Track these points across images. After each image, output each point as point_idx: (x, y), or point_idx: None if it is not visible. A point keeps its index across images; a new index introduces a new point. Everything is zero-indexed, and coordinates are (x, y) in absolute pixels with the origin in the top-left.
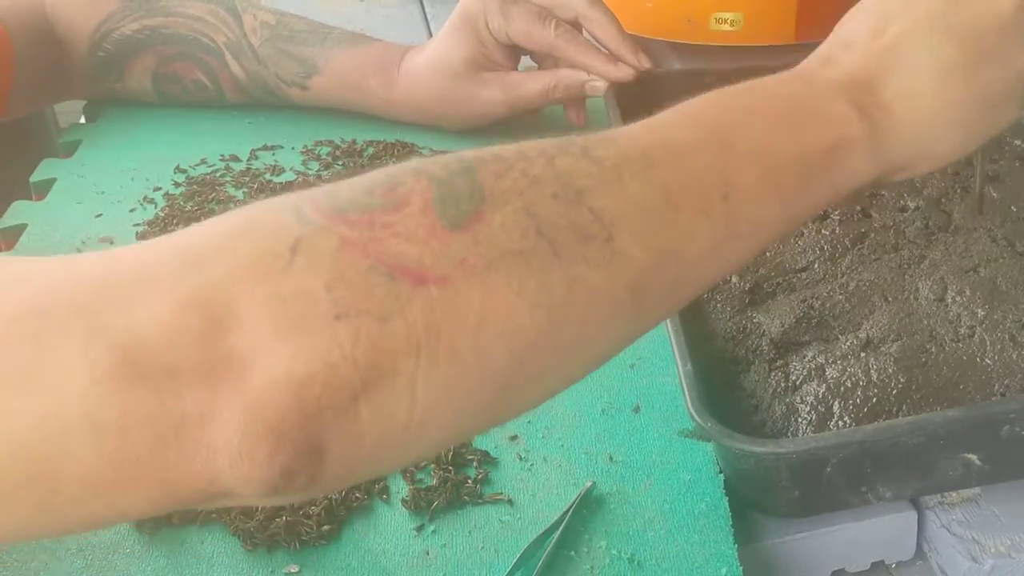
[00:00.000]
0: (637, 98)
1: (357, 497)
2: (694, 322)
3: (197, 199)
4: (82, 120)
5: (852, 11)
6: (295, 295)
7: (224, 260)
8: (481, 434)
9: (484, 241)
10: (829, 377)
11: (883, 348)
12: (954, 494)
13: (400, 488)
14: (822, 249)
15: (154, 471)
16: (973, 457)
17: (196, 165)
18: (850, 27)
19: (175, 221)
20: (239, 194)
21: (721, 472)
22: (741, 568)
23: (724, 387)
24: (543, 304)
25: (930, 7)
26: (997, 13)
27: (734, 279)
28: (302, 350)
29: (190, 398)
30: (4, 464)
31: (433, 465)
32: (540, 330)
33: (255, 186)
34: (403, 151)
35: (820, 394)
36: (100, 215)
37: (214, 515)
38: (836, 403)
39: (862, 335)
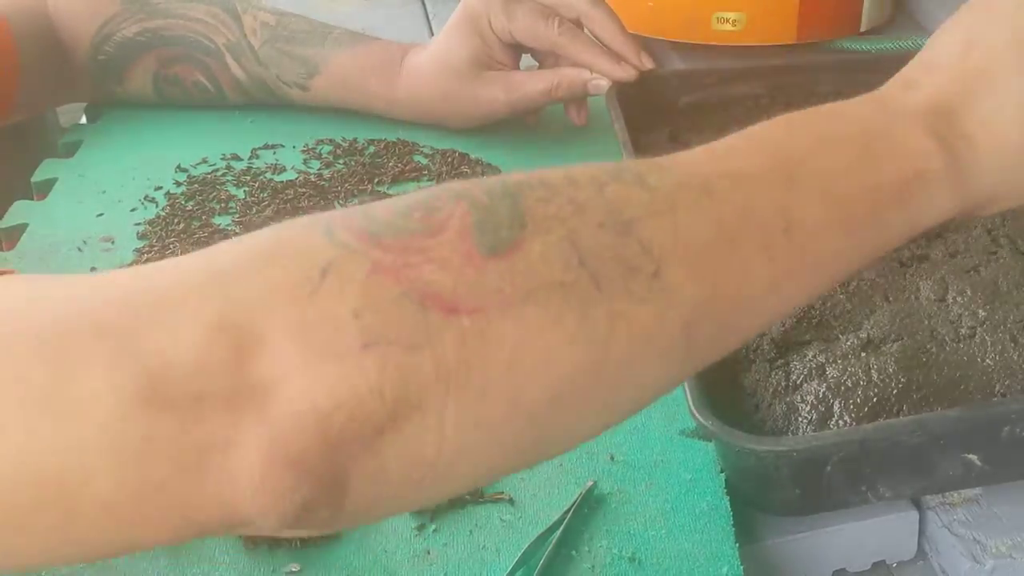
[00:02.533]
0: (639, 97)
1: None
2: None
3: (198, 198)
4: (83, 120)
5: (940, 30)
6: (322, 321)
7: (252, 283)
8: (513, 474)
9: (522, 271)
10: (830, 376)
11: (884, 348)
12: (955, 494)
13: None
14: None
15: (174, 498)
16: (973, 457)
17: (197, 164)
18: (935, 47)
19: (176, 220)
20: (240, 193)
21: (722, 471)
22: (742, 567)
23: (725, 386)
24: (582, 340)
25: (1018, 23)
26: None
27: None
28: (328, 379)
29: (213, 425)
30: (26, 487)
31: None
32: (579, 367)
33: (256, 185)
34: (404, 149)
35: (820, 393)
36: (101, 214)
37: None
38: (836, 402)
39: (863, 335)
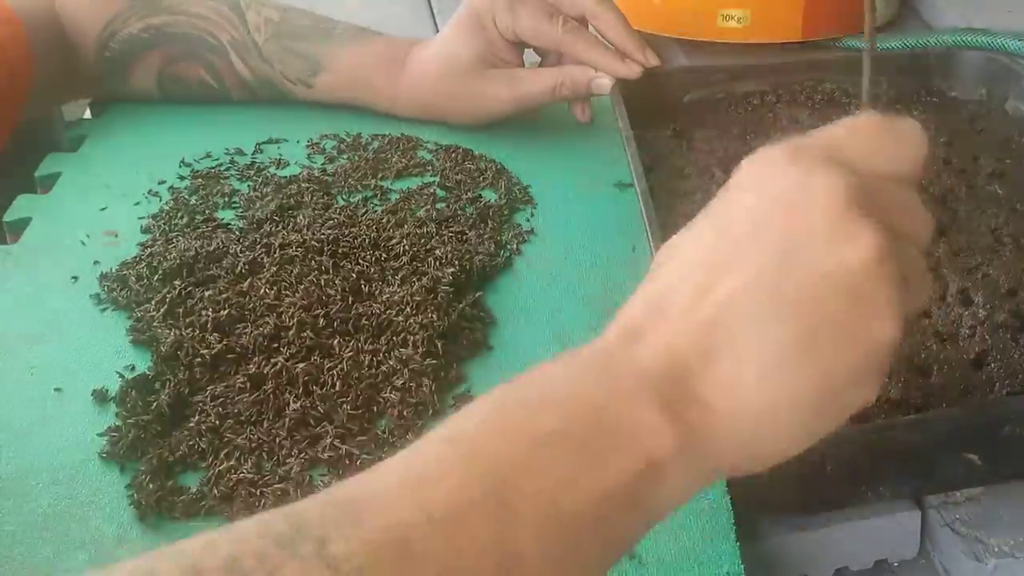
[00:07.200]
0: (643, 94)
1: None
2: None
3: (202, 193)
4: (87, 115)
5: (665, 258)
6: None
7: None
8: None
9: None
10: None
11: None
12: (958, 493)
13: None
14: None
15: None
16: (973, 457)
17: (201, 159)
18: (667, 280)
19: (180, 214)
20: (243, 187)
21: None
22: (743, 566)
23: None
24: None
25: (763, 260)
26: (844, 270)
27: None
28: None
29: None
30: None
31: None
32: None
33: (259, 180)
34: (408, 145)
35: None
36: (105, 208)
37: (216, 509)
38: None
39: None
